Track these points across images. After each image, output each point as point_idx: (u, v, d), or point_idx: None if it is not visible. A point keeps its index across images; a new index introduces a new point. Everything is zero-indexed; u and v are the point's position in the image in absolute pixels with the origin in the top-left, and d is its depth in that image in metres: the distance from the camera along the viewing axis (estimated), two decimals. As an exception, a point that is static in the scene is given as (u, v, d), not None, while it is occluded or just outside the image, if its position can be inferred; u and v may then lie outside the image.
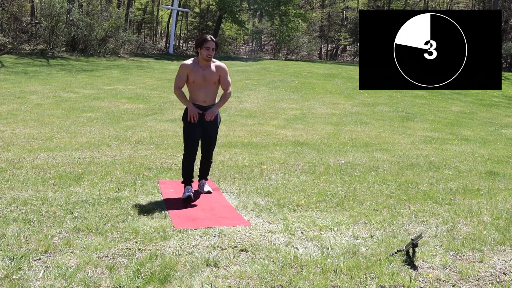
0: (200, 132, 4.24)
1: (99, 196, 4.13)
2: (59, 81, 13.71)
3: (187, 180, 4.34)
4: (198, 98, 4.21)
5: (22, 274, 2.68)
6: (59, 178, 4.61)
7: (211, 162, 4.54)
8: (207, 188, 4.47)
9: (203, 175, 4.55)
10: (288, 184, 4.85)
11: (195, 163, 4.35)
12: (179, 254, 3.04)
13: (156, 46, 30.35)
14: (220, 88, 4.35)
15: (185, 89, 4.29)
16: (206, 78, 4.17)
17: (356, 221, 3.81)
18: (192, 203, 4.15)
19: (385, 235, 3.52)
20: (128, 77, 15.82)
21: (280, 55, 34.69)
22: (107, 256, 2.97)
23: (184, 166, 4.33)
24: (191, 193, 4.25)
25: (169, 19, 31.52)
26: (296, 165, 5.71)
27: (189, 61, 4.22)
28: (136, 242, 3.19)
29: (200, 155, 4.44)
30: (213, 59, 4.21)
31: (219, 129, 4.45)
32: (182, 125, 4.29)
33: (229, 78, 4.33)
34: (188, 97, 4.28)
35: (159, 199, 4.19)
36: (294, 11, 29.34)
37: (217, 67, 4.23)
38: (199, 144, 4.32)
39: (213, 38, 4.14)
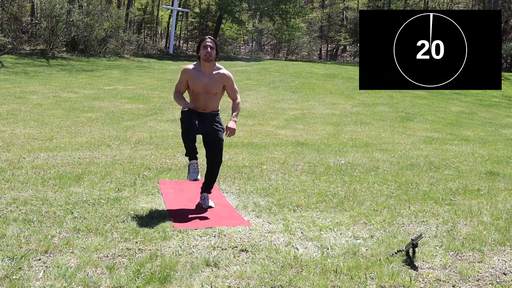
0: (197, 133, 3.93)
1: (99, 196, 4.13)
2: (59, 81, 13.72)
3: (191, 156, 3.99)
4: (197, 104, 3.89)
5: (22, 274, 2.68)
6: (59, 178, 4.61)
7: (217, 175, 4.12)
8: (209, 203, 4.07)
9: (207, 188, 4.11)
10: (288, 184, 4.85)
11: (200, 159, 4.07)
12: (179, 254, 3.04)
13: (156, 46, 30.34)
14: (222, 96, 4.04)
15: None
16: (208, 88, 3.85)
17: (356, 222, 3.81)
18: (192, 204, 4.14)
19: (385, 235, 3.52)
20: (128, 77, 15.82)
21: (280, 55, 34.68)
22: (107, 256, 2.97)
23: (186, 150, 3.99)
24: (198, 173, 3.98)
25: (169, 19, 31.53)
26: (296, 165, 5.71)
27: (190, 66, 3.91)
28: (136, 242, 3.19)
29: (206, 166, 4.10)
30: (218, 65, 3.92)
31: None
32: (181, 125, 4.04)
33: (235, 86, 4.00)
34: (188, 100, 3.96)
35: (159, 199, 4.19)
36: (294, 10, 29.35)
37: (221, 76, 3.90)
38: (204, 142, 3.99)
39: (210, 37, 3.89)
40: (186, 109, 3.81)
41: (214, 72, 3.90)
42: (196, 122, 3.85)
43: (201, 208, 4.02)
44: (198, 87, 3.85)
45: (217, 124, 3.95)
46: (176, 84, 4.01)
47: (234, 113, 3.94)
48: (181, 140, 4.00)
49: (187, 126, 3.84)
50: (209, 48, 3.80)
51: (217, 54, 3.89)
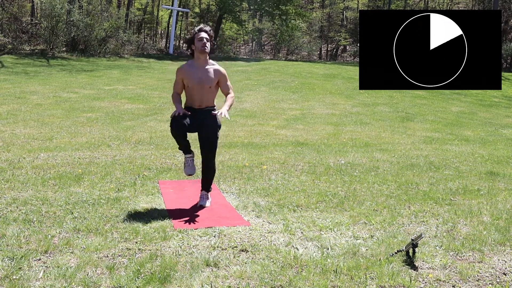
0: (187, 125, 3.82)
1: (99, 196, 4.13)
2: (59, 81, 13.72)
3: (184, 150, 4.05)
4: (193, 101, 3.94)
5: (22, 274, 2.68)
6: (59, 178, 4.61)
7: (214, 171, 4.08)
8: (205, 203, 4.08)
9: (205, 186, 4.12)
10: (288, 184, 4.85)
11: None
12: (179, 254, 3.04)
13: (156, 46, 30.34)
14: (218, 92, 4.06)
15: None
16: (202, 82, 3.88)
17: (356, 222, 3.81)
18: (192, 204, 4.14)
19: (385, 235, 3.52)
20: (128, 77, 15.82)
21: (280, 55, 34.68)
22: (107, 256, 2.97)
23: (178, 145, 4.04)
24: (193, 168, 4.06)
25: (169, 19, 31.54)
26: (296, 165, 5.71)
27: (184, 65, 3.97)
28: (136, 242, 3.19)
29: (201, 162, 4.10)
30: (211, 61, 3.97)
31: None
32: None
33: (229, 83, 4.02)
34: (184, 101, 4.02)
35: (159, 199, 4.19)
36: (295, 10, 29.36)
37: (215, 70, 3.93)
38: (195, 132, 3.98)
39: (203, 28, 3.89)
40: (177, 114, 3.78)
41: (208, 66, 3.95)
42: (188, 120, 3.83)
43: (201, 208, 4.03)
44: (192, 81, 3.89)
45: (212, 120, 3.90)
46: (173, 85, 4.06)
47: (227, 103, 3.91)
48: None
49: (178, 120, 3.80)
50: (204, 39, 3.85)
51: (213, 45, 3.93)
